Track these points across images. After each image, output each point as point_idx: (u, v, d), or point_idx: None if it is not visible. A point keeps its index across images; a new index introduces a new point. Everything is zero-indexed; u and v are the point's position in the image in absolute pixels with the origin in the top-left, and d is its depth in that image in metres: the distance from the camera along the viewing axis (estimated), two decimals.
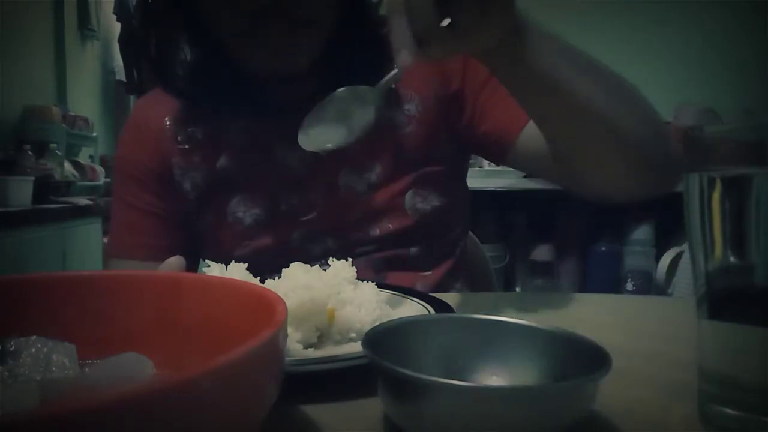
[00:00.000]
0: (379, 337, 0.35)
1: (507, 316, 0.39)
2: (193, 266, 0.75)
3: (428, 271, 0.78)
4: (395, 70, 0.49)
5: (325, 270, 0.50)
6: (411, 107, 0.77)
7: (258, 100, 0.75)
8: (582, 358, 0.33)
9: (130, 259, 0.79)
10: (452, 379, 0.30)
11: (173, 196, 0.79)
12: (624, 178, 0.64)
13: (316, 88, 0.74)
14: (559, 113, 0.58)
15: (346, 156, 0.74)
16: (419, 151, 0.76)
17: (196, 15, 0.68)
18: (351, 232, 0.76)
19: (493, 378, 0.37)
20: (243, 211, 0.76)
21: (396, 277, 0.74)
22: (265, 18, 0.63)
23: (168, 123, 0.79)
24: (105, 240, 2.93)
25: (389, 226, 0.76)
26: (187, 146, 0.78)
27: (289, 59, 0.68)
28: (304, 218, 0.76)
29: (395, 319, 0.40)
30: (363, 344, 0.34)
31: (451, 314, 0.48)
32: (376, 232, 0.76)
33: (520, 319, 0.38)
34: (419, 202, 0.76)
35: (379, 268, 0.75)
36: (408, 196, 0.76)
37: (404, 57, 0.46)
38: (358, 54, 0.71)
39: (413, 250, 0.77)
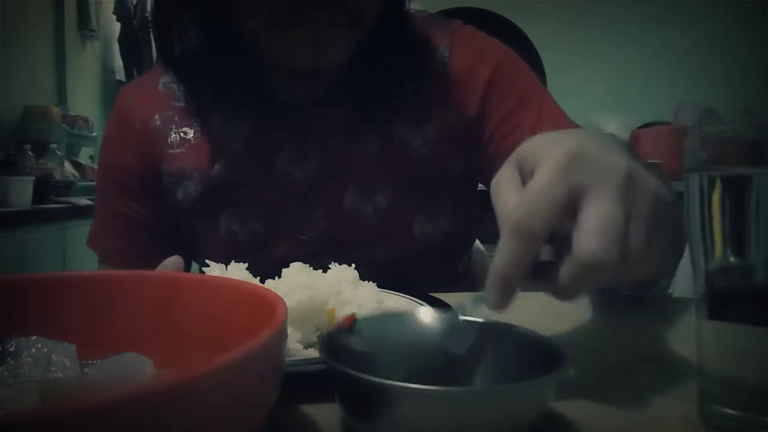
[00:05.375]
0: (339, 341, 0.35)
1: (478, 316, 0.38)
2: None
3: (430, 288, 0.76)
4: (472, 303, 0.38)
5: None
6: (429, 129, 0.71)
7: (265, 96, 0.69)
8: (540, 357, 0.33)
9: (114, 266, 0.74)
10: (413, 383, 0.29)
11: (162, 205, 0.72)
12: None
13: (331, 90, 0.70)
14: None
15: (354, 174, 0.70)
16: (431, 175, 0.71)
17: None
18: (353, 254, 0.69)
19: (456, 377, 0.36)
20: (238, 225, 0.70)
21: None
22: (306, 7, 0.57)
23: (157, 123, 0.71)
24: None
25: (395, 249, 0.71)
26: (178, 150, 0.71)
27: (322, 55, 0.61)
28: (304, 236, 0.70)
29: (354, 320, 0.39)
30: (320, 349, 0.33)
31: (416, 312, 0.47)
32: (380, 255, 0.70)
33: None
34: (428, 227, 0.72)
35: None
36: (416, 220, 0.71)
37: (501, 301, 0.35)
38: (387, 61, 0.67)
39: (417, 271, 0.73)
